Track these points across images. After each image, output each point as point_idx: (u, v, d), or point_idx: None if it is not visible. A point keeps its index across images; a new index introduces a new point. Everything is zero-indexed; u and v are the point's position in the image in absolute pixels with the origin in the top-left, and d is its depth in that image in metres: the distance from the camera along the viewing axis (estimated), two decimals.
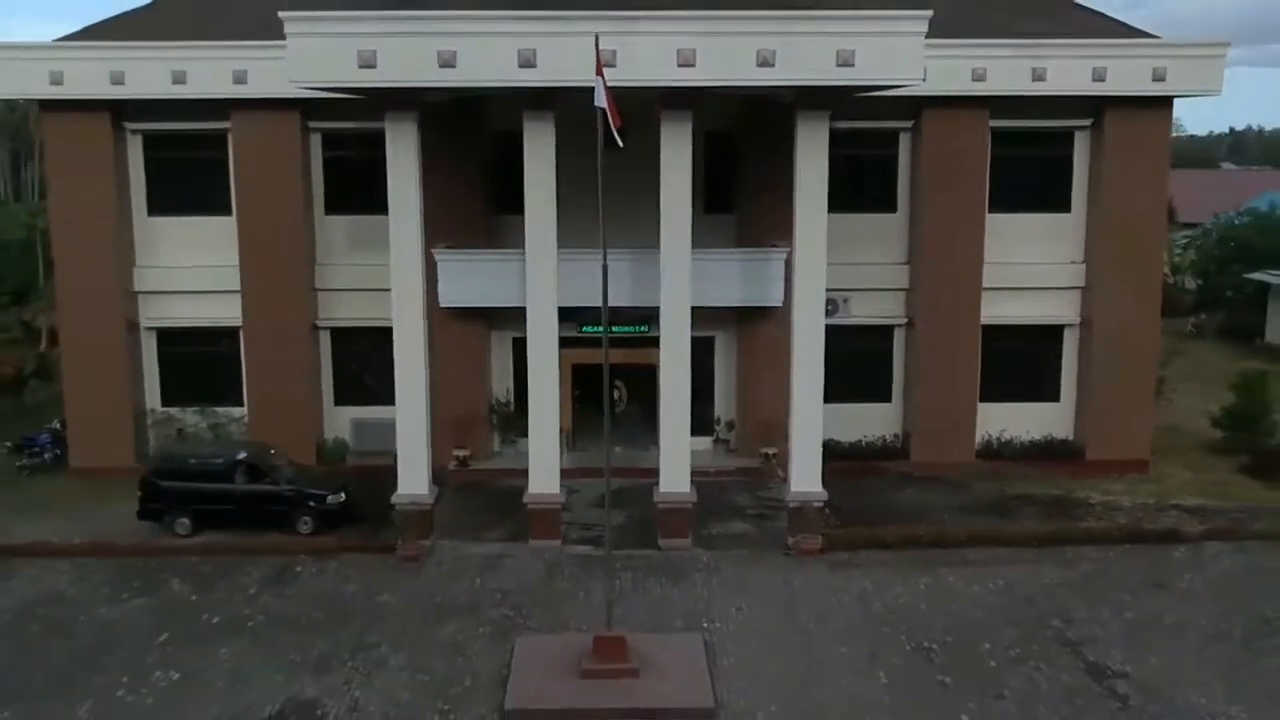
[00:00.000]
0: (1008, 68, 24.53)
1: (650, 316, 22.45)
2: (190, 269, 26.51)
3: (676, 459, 21.35)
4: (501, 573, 20.45)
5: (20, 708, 15.69)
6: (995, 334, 26.40)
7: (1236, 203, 55.03)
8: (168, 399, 27.28)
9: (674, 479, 21.37)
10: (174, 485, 22.40)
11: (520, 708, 15.44)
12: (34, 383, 33.74)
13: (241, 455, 22.83)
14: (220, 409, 26.95)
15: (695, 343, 21.59)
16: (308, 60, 19.12)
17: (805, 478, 21.32)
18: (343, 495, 22.62)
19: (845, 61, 18.84)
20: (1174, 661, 17.01)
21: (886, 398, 27.29)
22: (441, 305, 24.56)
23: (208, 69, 24.67)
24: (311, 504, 22.39)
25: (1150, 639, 17.77)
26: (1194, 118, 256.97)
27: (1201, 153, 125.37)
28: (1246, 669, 16.80)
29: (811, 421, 21.25)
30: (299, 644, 17.64)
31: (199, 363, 27.12)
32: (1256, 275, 45.21)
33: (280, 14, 18.95)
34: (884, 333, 27.00)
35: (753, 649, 17.37)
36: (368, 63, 18.86)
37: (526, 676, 16.19)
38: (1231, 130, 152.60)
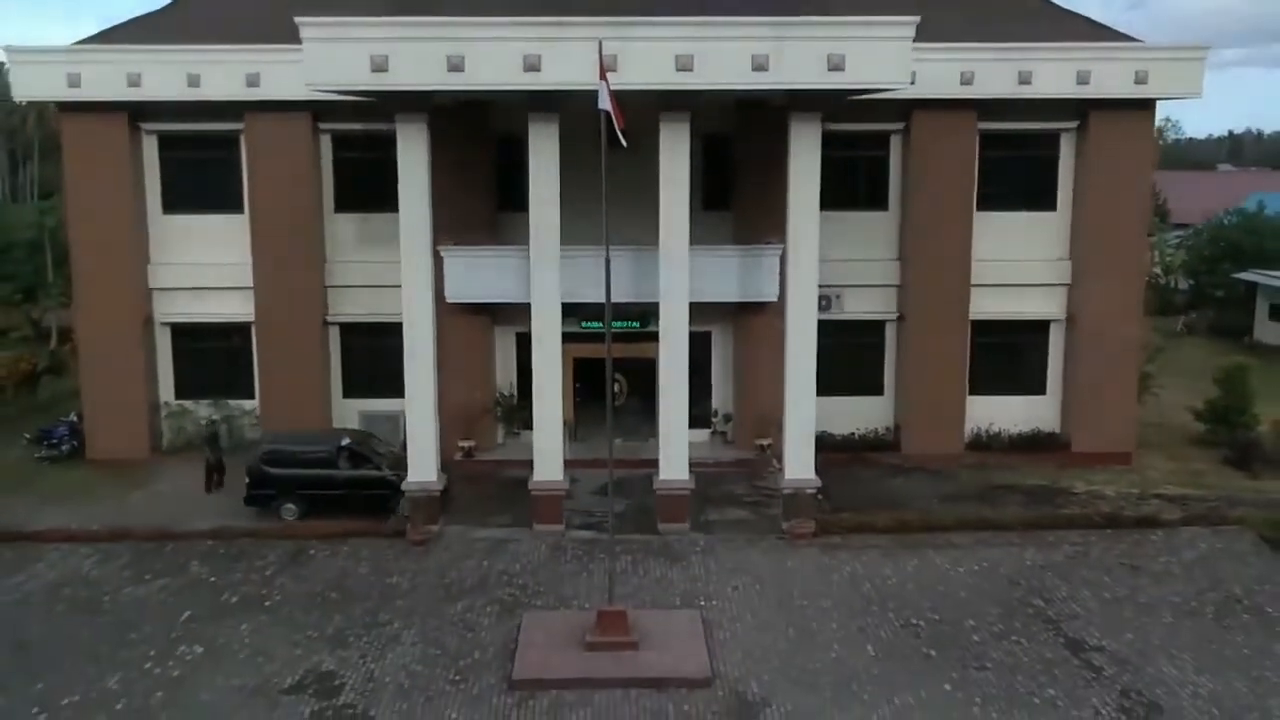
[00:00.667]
0: (995, 71, 25.43)
1: (646, 312, 23.30)
2: (203, 266, 27.39)
3: (675, 446, 22.22)
4: (507, 556, 21.30)
5: (53, 679, 16.54)
6: (983, 329, 27.30)
7: (1230, 204, 56.00)
8: (181, 392, 28.15)
9: (673, 466, 22.24)
10: (281, 472, 23.22)
11: (527, 677, 16.28)
12: (47, 378, 34.67)
13: (345, 442, 23.63)
14: (232, 401, 27.82)
15: (693, 337, 22.39)
16: (322, 64, 19.96)
17: (799, 465, 22.19)
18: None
19: (836, 66, 19.73)
20: (1147, 636, 17.90)
21: (878, 391, 28.16)
22: (447, 301, 25.37)
23: (221, 72, 25.55)
24: None
25: (1126, 616, 18.67)
26: (1194, 120, 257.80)
27: (1201, 155, 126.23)
28: (1215, 643, 17.69)
29: (805, 411, 22.10)
30: (315, 621, 18.51)
31: (212, 357, 28.03)
32: (1245, 275, 46.18)
33: (296, 19, 19.78)
34: (876, 328, 27.87)
35: (747, 624, 18.26)
36: (380, 67, 19.72)
37: (533, 649, 17.05)
38: (1230, 133, 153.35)
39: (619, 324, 23.76)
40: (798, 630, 18.07)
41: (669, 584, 19.96)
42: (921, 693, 16.08)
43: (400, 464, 23.71)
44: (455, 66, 19.76)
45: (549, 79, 19.88)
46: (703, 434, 27.36)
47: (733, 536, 22.21)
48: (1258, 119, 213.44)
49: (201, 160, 27.41)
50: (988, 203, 26.99)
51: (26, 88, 26.70)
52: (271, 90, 25.37)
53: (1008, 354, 27.91)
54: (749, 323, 26.80)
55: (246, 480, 23.40)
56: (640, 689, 16.06)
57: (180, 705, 15.80)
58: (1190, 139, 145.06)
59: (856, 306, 27.42)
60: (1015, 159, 27.27)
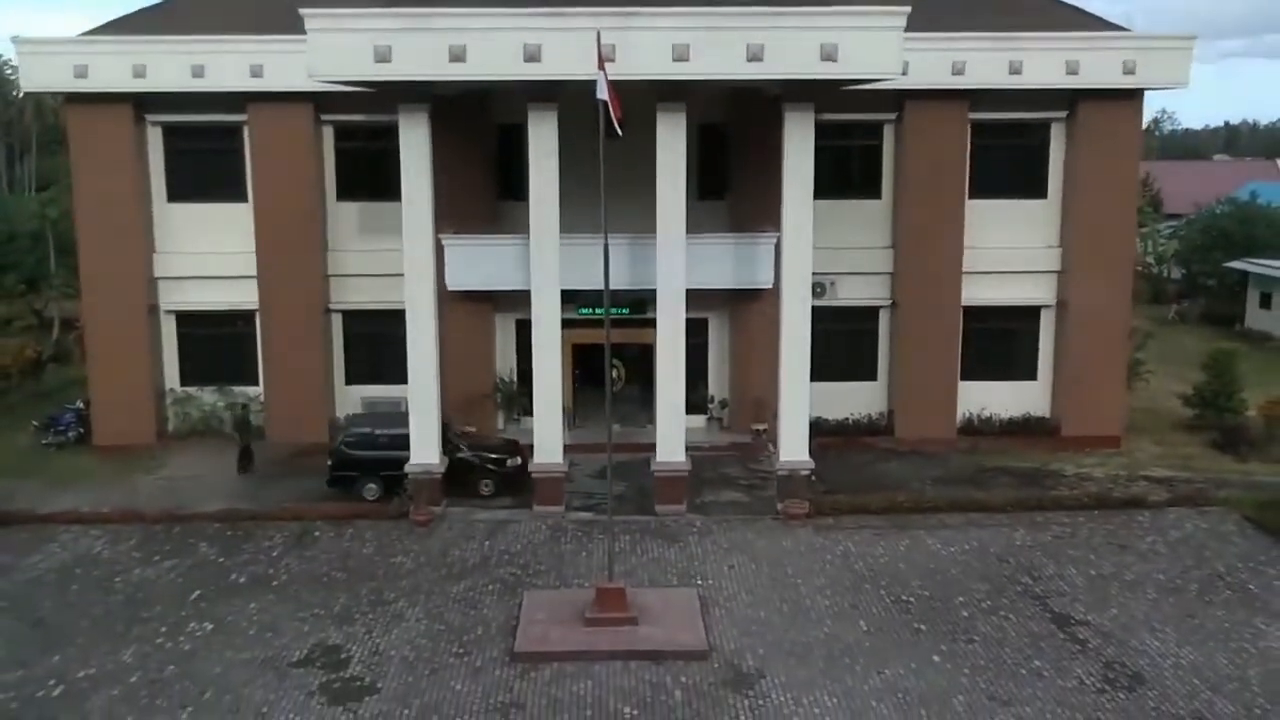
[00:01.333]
0: (986, 61, 25.85)
1: (642, 299, 23.72)
2: (208, 254, 27.80)
3: (672, 429, 22.68)
4: (508, 536, 21.78)
5: (69, 652, 17.04)
6: (975, 315, 27.81)
7: (1224, 194, 56.43)
8: (186, 379, 28.61)
9: (670, 449, 22.71)
10: (363, 454, 23.74)
11: (529, 650, 16.77)
12: (52, 366, 35.14)
13: None
14: (236, 388, 28.25)
15: (689, 324, 22.85)
16: (326, 55, 20.39)
17: (794, 447, 22.68)
18: (519, 459, 24.04)
19: (829, 56, 20.14)
20: (1132, 611, 18.42)
21: (872, 376, 28.63)
22: (448, 288, 25.79)
23: (225, 63, 25.91)
24: (491, 468, 23.71)
25: (1111, 592, 19.18)
26: (1191, 110, 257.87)
27: (1198, 146, 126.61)
28: (1198, 617, 18.21)
29: (799, 394, 22.57)
30: (322, 599, 18.98)
31: (216, 344, 28.50)
32: (1236, 264, 46.63)
33: (301, 11, 20.17)
34: (870, 314, 28.34)
35: (743, 601, 18.75)
36: (383, 57, 20.13)
37: (534, 624, 17.55)
38: (1227, 124, 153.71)
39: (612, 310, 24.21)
40: (792, 606, 18.56)
41: (666, 563, 20.45)
42: (911, 664, 16.58)
43: (478, 444, 24.28)
44: (456, 57, 20.17)
45: (548, 69, 20.29)
46: (699, 419, 27.79)
47: (728, 517, 22.70)
48: (1254, 109, 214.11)
49: (205, 150, 27.87)
50: (979, 191, 27.41)
51: (33, 78, 27.07)
52: (275, 81, 25.74)
53: (999, 340, 28.40)
54: (745, 309, 27.25)
55: (329, 463, 23.96)
56: (639, 661, 16.54)
57: (193, 677, 16.28)
58: (1187, 129, 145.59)
59: (850, 293, 27.85)
60: (1006, 147, 27.74)
